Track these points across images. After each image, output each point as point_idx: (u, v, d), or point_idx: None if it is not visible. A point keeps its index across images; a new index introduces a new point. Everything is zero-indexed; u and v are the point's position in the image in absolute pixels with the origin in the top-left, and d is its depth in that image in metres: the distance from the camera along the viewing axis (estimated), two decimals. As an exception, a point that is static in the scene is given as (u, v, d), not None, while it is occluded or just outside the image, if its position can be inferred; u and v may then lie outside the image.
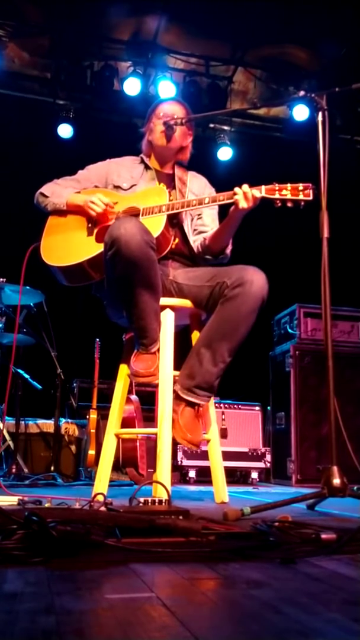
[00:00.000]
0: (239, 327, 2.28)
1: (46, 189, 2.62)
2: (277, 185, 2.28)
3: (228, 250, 2.56)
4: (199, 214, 2.66)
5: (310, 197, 2.22)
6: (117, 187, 2.64)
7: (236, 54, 5.46)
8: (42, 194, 2.61)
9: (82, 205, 2.49)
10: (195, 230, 2.64)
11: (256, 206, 2.31)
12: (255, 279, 2.27)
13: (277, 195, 2.26)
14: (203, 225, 2.64)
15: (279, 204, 2.27)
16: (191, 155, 2.76)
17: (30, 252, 2.65)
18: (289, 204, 2.25)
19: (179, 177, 2.69)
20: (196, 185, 2.73)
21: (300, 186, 2.25)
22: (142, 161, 2.72)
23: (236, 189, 2.31)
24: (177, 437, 2.27)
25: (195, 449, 2.39)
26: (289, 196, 2.25)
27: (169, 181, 2.68)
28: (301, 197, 2.24)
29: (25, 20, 5.03)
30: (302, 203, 2.24)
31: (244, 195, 2.28)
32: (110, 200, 2.47)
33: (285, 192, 2.25)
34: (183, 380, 2.33)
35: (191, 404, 2.31)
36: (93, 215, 2.45)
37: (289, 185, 2.26)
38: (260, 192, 2.28)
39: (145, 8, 4.94)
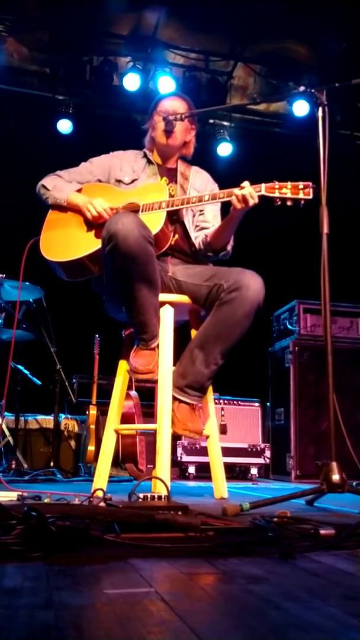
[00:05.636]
0: (234, 330, 2.29)
1: (48, 181, 2.60)
2: (277, 183, 2.27)
3: (229, 247, 2.55)
4: (201, 210, 2.65)
5: (310, 196, 2.21)
6: (119, 181, 2.63)
7: (236, 49, 5.44)
8: (44, 186, 2.59)
9: (80, 206, 2.48)
10: (197, 226, 2.64)
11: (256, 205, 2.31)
12: (252, 284, 2.27)
13: (277, 194, 2.25)
14: (205, 222, 2.63)
15: (279, 203, 2.26)
16: (194, 149, 2.75)
17: (30, 247, 2.64)
18: (289, 203, 2.24)
19: (181, 172, 2.68)
20: (198, 180, 2.72)
21: (301, 185, 2.24)
22: (145, 155, 2.72)
23: (235, 190, 2.30)
24: (178, 430, 2.28)
25: (198, 437, 2.40)
26: (289, 195, 2.24)
27: (171, 176, 2.67)
28: (301, 195, 2.23)
29: (25, 15, 5.01)
30: (302, 202, 2.23)
31: (242, 198, 2.27)
32: (110, 203, 2.46)
33: (285, 190, 2.25)
34: (175, 378, 2.34)
35: (184, 402, 2.33)
36: (89, 218, 2.44)
37: (289, 184, 2.25)
38: (260, 190, 2.28)
39: (144, 3, 4.92)
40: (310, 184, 2.22)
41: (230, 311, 2.27)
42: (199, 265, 2.57)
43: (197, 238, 2.60)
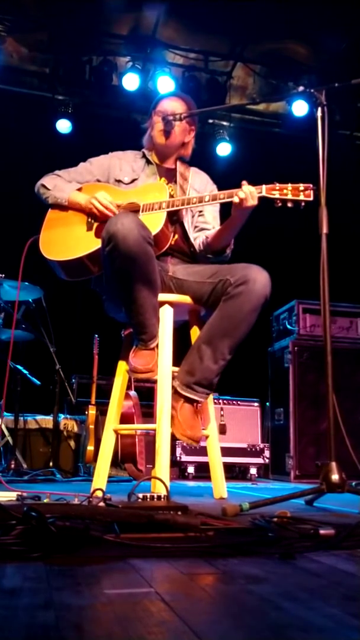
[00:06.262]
0: (241, 325, 2.28)
1: (48, 181, 2.59)
2: (277, 185, 2.27)
3: (229, 250, 2.55)
4: (200, 211, 2.65)
5: (311, 198, 2.22)
6: (118, 180, 2.63)
7: (235, 49, 5.44)
8: (44, 186, 2.58)
9: (83, 205, 2.48)
10: (196, 227, 2.64)
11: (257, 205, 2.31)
12: (258, 278, 2.27)
13: (277, 195, 2.26)
14: (204, 223, 2.63)
15: (279, 204, 2.26)
16: (193, 150, 2.75)
17: (29, 246, 2.63)
18: (289, 204, 2.25)
19: (180, 173, 2.68)
20: (198, 181, 2.72)
21: (301, 186, 2.24)
22: (144, 155, 2.72)
23: (235, 191, 2.30)
24: (177, 433, 2.27)
25: (194, 445, 2.39)
26: (289, 196, 2.24)
27: (170, 176, 2.67)
28: (302, 197, 2.23)
29: (24, 15, 5.01)
30: (303, 203, 2.24)
31: (242, 199, 2.27)
32: (113, 198, 2.46)
33: (285, 192, 2.25)
34: (182, 376, 2.33)
35: (190, 401, 2.31)
36: (95, 212, 2.44)
37: (289, 185, 2.26)
38: (261, 191, 2.28)
39: (144, 2, 4.92)
40: (311, 185, 2.23)
41: (237, 305, 2.26)
42: (200, 265, 2.57)
43: (197, 239, 2.59)
